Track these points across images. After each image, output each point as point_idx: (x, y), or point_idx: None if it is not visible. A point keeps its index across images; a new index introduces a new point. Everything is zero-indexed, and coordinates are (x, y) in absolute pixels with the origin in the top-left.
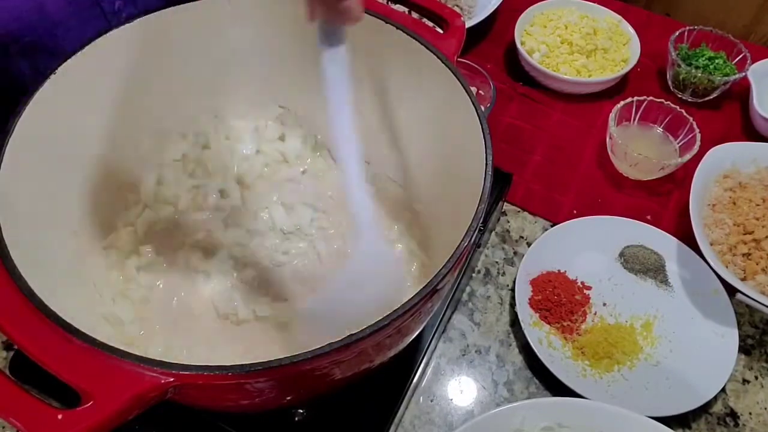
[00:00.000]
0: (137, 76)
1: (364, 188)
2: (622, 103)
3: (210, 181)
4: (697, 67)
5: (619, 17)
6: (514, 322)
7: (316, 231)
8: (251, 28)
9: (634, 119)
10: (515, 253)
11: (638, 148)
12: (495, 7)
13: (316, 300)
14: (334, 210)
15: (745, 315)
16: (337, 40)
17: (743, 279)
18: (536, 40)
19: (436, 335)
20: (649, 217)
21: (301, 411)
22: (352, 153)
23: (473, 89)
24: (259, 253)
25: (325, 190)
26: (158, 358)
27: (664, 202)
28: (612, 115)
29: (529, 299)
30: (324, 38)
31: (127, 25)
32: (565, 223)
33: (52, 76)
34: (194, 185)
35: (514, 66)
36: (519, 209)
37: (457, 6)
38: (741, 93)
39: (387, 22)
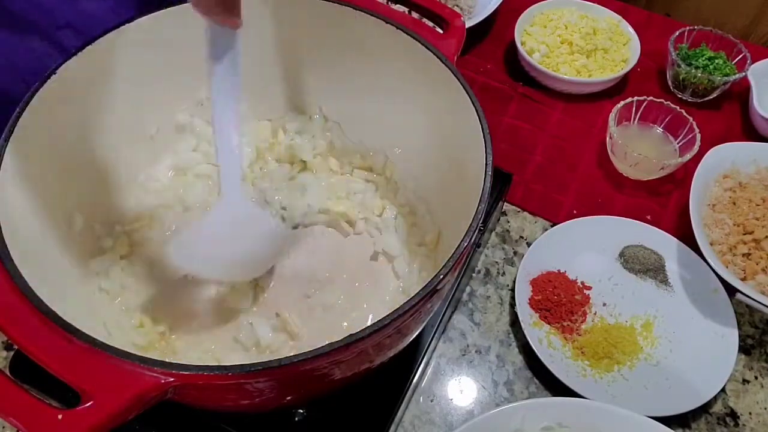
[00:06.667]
0: (141, 75)
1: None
2: (622, 103)
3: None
4: (697, 67)
5: (619, 17)
6: (514, 322)
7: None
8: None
9: (634, 119)
10: (515, 253)
11: (638, 148)
12: (495, 7)
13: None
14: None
15: (745, 315)
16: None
17: (743, 279)
18: (536, 40)
19: (436, 335)
20: (649, 217)
21: (301, 411)
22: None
23: None
24: None
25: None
26: (158, 358)
27: (664, 202)
28: (612, 115)
29: (529, 299)
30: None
31: (131, 23)
32: (565, 223)
33: (53, 76)
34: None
35: (514, 66)
36: (519, 209)
37: (457, 6)
38: (741, 93)
39: (387, 22)
